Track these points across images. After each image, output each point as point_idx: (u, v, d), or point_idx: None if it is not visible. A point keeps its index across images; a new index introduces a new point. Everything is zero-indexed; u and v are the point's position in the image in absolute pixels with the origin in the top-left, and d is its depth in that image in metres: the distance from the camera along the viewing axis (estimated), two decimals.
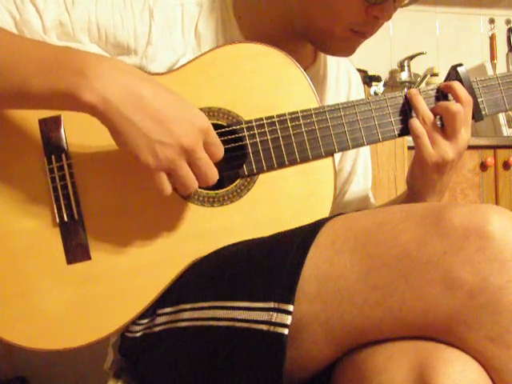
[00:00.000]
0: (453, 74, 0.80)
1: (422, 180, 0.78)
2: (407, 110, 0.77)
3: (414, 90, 0.77)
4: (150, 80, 0.63)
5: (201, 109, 0.70)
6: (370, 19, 0.75)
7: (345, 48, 0.80)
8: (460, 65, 0.79)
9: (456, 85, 0.75)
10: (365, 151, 0.99)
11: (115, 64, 0.62)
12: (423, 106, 0.75)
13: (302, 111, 0.74)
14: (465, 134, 0.75)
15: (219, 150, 0.65)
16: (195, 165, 0.63)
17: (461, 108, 0.73)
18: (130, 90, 0.60)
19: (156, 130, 0.60)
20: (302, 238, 0.60)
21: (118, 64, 0.63)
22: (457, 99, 0.75)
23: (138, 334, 0.70)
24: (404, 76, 2.16)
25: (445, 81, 0.81)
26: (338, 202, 0.96)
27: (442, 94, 0.78)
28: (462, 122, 0.74)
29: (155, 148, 0.60)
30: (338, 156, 0.94)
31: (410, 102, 0.77)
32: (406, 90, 0.79)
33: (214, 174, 0.65)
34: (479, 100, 0.79)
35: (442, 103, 0.76)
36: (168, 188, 0.63)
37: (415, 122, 0.75)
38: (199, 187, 0.67)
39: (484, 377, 0.51)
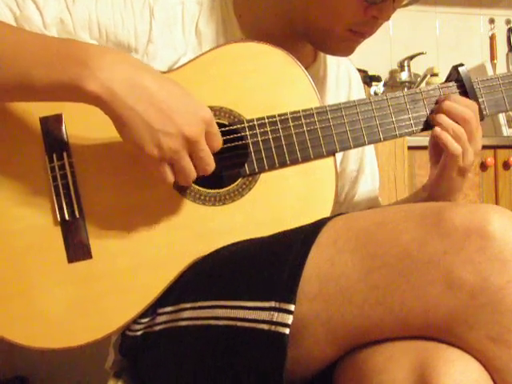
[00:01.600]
0: (454, 74, 0.80)
1: (448, 183, 0.80)
2: (408, 109, 0.77)
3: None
4: (154, 72, 0.64)
5: None
6: (369, 19, 0.75)
7: (344, 48, 0.80)
8: (461, 65, 0.79)
9: (458, 101, 0.77)
10: (370, 151, 0.99)
11: (118, 55, 0.62)
12: (447, 120, 0.77)
13: (303, 111, 0.74)
14: (478, 137, 0.78)
15: (218, 142, 0.66)
16: (197, 155, 0.64)
17: (472, 114, 0.76)
18: (133, 80, 0.60)
19: (160, 120, 0.61)
20: (303, 238, 0.60)
21: (122, 55, 0.63)
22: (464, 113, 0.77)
23: (139, 333, 0.70)
24: (404, 76, 2.16)
25: (446, 80, 0.81)
26: (348, 204, 0.96)
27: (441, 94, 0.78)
28: (476, 126, 0.77)
29: (159, 138, 0.61)
30: (339, 156, 0.94)
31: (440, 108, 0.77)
32: (405, 89, 0.79)
33: (212, 164, 0.66)
34: (480, 100, 0.79)
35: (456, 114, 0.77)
36: (171, 178, 0.64)
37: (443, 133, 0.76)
38: (201, 187, 0.66)
39: (485, 377, 0.51)
